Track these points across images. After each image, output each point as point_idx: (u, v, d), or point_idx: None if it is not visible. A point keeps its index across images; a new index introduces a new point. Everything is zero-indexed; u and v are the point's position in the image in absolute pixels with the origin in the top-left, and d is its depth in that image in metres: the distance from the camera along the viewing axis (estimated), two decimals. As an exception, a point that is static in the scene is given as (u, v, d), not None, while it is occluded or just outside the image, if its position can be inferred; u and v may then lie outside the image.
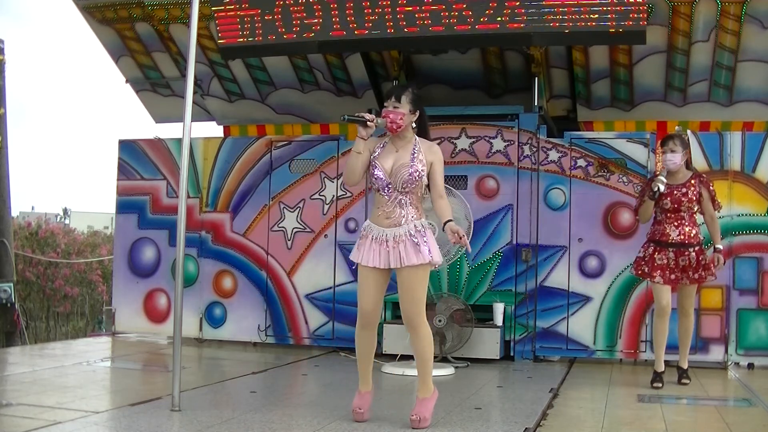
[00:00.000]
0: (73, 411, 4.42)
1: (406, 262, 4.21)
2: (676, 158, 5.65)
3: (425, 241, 4.23)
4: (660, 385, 5.63)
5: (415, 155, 4.27)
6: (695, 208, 5.68)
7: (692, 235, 5.64)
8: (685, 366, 5.83)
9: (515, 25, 6.34)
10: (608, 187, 6.89)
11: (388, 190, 4.28)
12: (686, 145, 5.74)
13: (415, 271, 4.23)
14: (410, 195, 4.28)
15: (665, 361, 5.74)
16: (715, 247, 5.65)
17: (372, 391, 4.47)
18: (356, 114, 4.30)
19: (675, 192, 5.62)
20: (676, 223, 5.64)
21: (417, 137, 4.37)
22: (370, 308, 4.32)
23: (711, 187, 5.73)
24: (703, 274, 5.63)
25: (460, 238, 4.15)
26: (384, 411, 4.61)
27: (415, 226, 4.25)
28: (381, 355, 6.82)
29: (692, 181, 5.67)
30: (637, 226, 6.75)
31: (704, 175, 5.85)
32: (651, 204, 5.67)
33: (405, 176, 4.23)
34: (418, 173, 4.24)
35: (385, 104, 4.32)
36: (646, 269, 5.67)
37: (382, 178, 4.27)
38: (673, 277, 5.62)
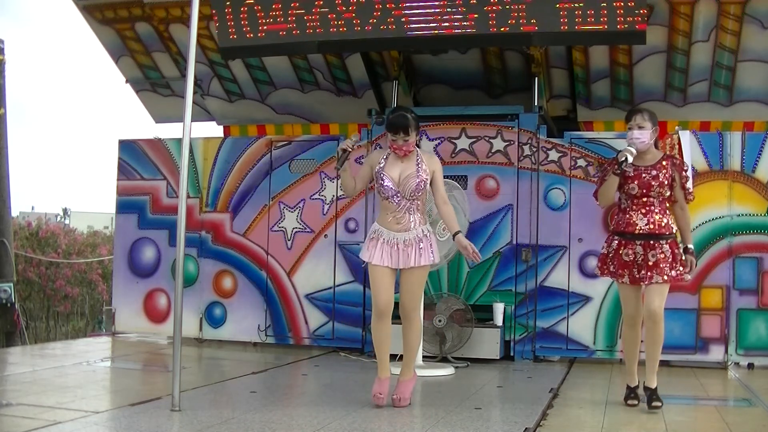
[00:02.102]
0: (73, 411, 4.42)
1: (414, 264, 4.70)
2: (644, 135, 4.78)
3: (430, 245, 4.73)
4: (636, 402, 4.91)
5: (420, 165, 4.73)
6: (667, 194, 4.82)
7: (663, 224, 4.75)
8: (653, 385, 4.79)
9: (515, 25, 6.34)
10: (608, 187, 6.88)
11: (397, 199, 4.73)
12: (655, 122, 4.86)
13: (420, 271, 4.75)
14: (417, 202, 4.74)
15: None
16: (685, 247, 4.83)
17: (390, 378, 4.79)
18: (340, 156, 4.71)
19: (644, 175, 4.78)
20: (643, 211, 4.77)
21: (418, 149, 4.84)
22: (387, 301, 4.74)
23: (684, 172, 4.88)
24: (681, 270, 4.73)
25: (471, 252, 4.66)
26: (384, 410, 4.61)
27: (422, 230, 4.74)
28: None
29: (663, 163, 4.83)
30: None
31: (677, 157, 5.15)
32: (615, 181, 4.80)
33: (413, 186, 4.69)
34: (424, 182, 4.71)
35: (394, 138, 4.71)
36: (612, 267, 4.87)
37: (391, 188, 4.72)
38: (640, 275, 4.75)
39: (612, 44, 7.04)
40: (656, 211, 4.77)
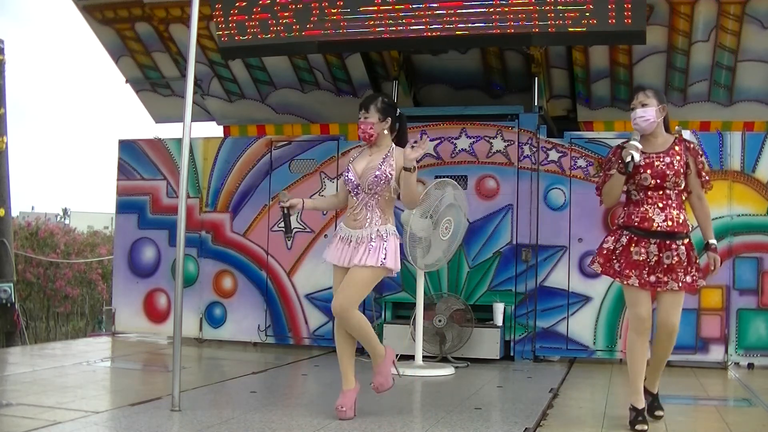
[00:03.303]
0: (73, 411, 4.41)
1: (357, 262, 4.33)
2: (648, 113, 4.22)
3: (384, 247, 4.35)
4: (645, 428, 4.17)
5: (386, 160, 4.42)
6: (682, 185, 4.25)
7: (681, 221, 4.19)
8: (655, 390, 4.45)
9: (515, 25, 6.35)
10: (608, 187, 6.88)
11: (356, 192, 4.46)
12: (662, 99, 4.32)
13: (361, 271, 4.34)
14: (377, 198, 4.42)
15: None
16: (707, 244, 4.27)
17: (355, 389, 4.49)
18: (281, 222, 4.50)
19: (656, 162, 4.21)
20: (660, 205, 4.18)
21: (394, 145, 4.51)
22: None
23: (700, 157, 4.30)
24: (696, 276, 4.18)
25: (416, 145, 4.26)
26: (384, 410, 4.61)
27: (378, 230, 4.38)
28: (381, 355, 6.83)
29: (676, 148, 4.25)
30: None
31: (692, 141, 4.40)
32: (621, 180, 4.26)
33: (371, 178, 4.38)
34: (385, 176, 4.38)
35: (358, 116, 4.50)
36: (617, 266, 4.25)
37: (352, 180, 4.46)
38: (652, 279, 4.17)
39: (612, 44, 7.04)
40: (674, 205, 4.19)
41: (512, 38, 6.62)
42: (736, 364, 6.62)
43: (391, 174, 4.39)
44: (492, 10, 6.36)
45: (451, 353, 6.64)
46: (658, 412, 4.46)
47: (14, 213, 11.19)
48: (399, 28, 6.59)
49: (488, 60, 7.84)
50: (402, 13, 6.55)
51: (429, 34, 6.58)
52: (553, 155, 7.01)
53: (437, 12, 6.50)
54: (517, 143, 7.04)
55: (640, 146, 4.21)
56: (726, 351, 6.61)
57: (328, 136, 7.91)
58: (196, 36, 4.74)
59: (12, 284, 9.64)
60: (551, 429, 4.35)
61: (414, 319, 6.49)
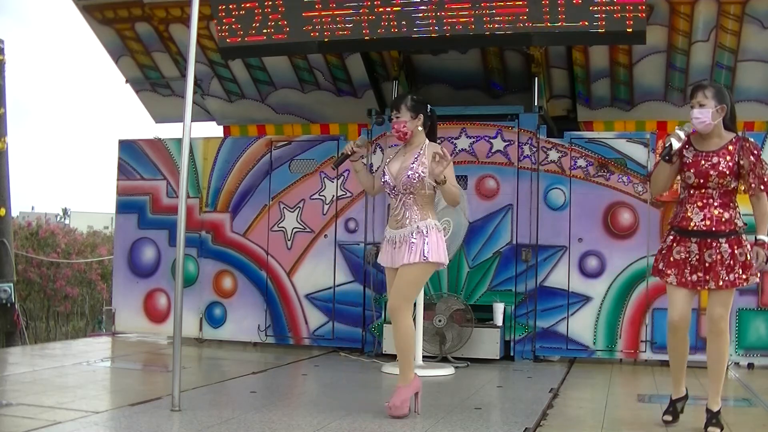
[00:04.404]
0: (73, 411, 4.41)
1: (403, 261, 4.46)
2: (704, 114, 4.11)
3: (426, 242, 4.44)
4: (669, 418, 4.34)
5: (418, 158, 4.52)
6: (732, 185, 4.17)
7: (723, 219, 4.14)
8: (714, 408, 4.17)
9: (515, 26, 6.35)
10: (608, 187, 6.89)
11: (394, 193, 4.58)
12: (723, 98, 4.16)
13: (407, 269, 4.46)
14: (414, 196, 4.52)
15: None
16: (756, 239, 4.17)
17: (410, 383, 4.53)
18: (341, 154, 4.75)
19: (702, 162, 4.15)
20: (700, 204, 4.16)
21: (427, 141, 4.64)
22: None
23: (754, 157, 4.12)
24: (741, 274, 4.10)
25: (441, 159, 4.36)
26: (384, 409, 4.60)
27: (418, 227, 4.47)
28: (381, 355, 6.84)
29: (729, 148, 4.15)
30: (638, 225, 6.75)
31: (750, 140, 4.22)
32: (665, 168, 4.24)
33: (404, 178, 4.49)
34: (418, 175, 4.47)
35: (391, 117, 4.64)
36: (661, 265, 4.28)
37: (388, 183, 4.59)
38: (694, 278, 4.16)
39: (612, 44, 7.04)
40: (715, 204, 4.15)
41: (512, 38, 6.62)
42: (736, 364, 6.62)
43: (423, 172, 4.48)
44: (492, 10, 6.36)
45: (451, 353, 6.64)
46: (712, 429, 4.12)
47: (14, 213, 11.19)
48: (399, 28, 6.59)
49: (488, 60, 7.84)
50: (402, 13, 6.55)
51: (429, 34, 6.58)
52: (553, 155, 7.01)
53: (437, 12, 6.49)
54: (517, 143, 7.04)
55: (683, 136, 4.17)
56: (726, 351, 6.60)
57: (328, 136, 7.91)
58: (196, 36, 4.74)
59: (12, 284, 9.63)
60: (551, 429, 4.35)
61: (414, 319, 6.48)
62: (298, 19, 6.80)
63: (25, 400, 4.68)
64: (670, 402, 4.41)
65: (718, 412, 4.17)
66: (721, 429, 4.12)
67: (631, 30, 6.18)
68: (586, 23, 6.22)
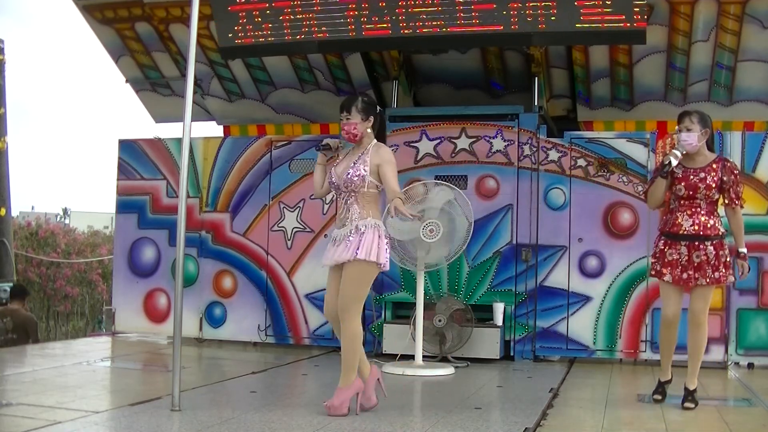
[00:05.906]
0: (73, 411, 4.41)
1: (335, 260, 4.54)
2: (691, 138, 4.82)
3: (361, 241, 4.45)
4: (660, 398, 5.03)
5: (361, 157, 4.57)
6: (716, 197, 4.88)
7: (709, 225, 4.81)
8: (692, 386, 4.89)
9: (515, 26, 6.34)
10: (608, 186, 6.89)
11: (338, 193, 4.65)
12: (706, 124, 4.88)
13: (349, 268, 4.49)
14: (356, 195, 4.55)
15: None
16: (737, 252, 4.91)
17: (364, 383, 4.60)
18: (325, 143, 4.81)
19: (691, 177, 4.84)
20: (689, 212, 4.83)
21: (374, 141, 4.65)
22: (330, 306, 4.66)
23: (734, 175, 4.87)
24: (723, 272, 4.81)
25: (402, 213, 4.36)
26: (384, 411, 4.61)
27: (356, 226, 4.50)
28: (381, 355, 6.83)
29: (714, 166, 4.86)
30: (638, 225, 6.75)
31: (730, 160, 5.03)
32: (662, 183, 4.90)
33: (345, 177, 4.55)
34: (358, 175, 4.51)
35: (340, 117, 4.64)
36: (658, 266, 4.92)
37: (333, 182, 4.65)
38: (685, 276, 4.83)
39: (612, 44, 7.04)
40: (702, 212, 4.84)
41: (512, 38, 6.62)
42: (736, 363, 6.62)
43: (365, 170, 4.51)
44: (493, 9, 6.35)
45: (451, 353, 6.64)
46: (688, 404, 4.85)
47: (14, 213, 11.21)
48: (399, 28, 6.58)
49: (488, 60, 7.84)
50: (402, 13, 6.55)
51: (429, 34, 6.57)
52: (553, 155, 7.01)
53: (438, 12, 6.49)
54: (517, 143, 7.04)
55: (680, 154, 4.83)
56: (726, 351, 6.61)
57: (328, 136, 7.89)
58: (196, 36, 4.74)
59: (12, 284, 9.64)
60: (551, 429, 4.35)
61: (414, 319, 6.49)
62: (298, 19, 6.80)
63: (25, 400, 4.68)
64: (659, 384, 5.09)
65: (695, 390, 4.90)
66: (696, 404, 4.85)
67: (631, 30, 6.18)
68: (587, 23, 6.21)
